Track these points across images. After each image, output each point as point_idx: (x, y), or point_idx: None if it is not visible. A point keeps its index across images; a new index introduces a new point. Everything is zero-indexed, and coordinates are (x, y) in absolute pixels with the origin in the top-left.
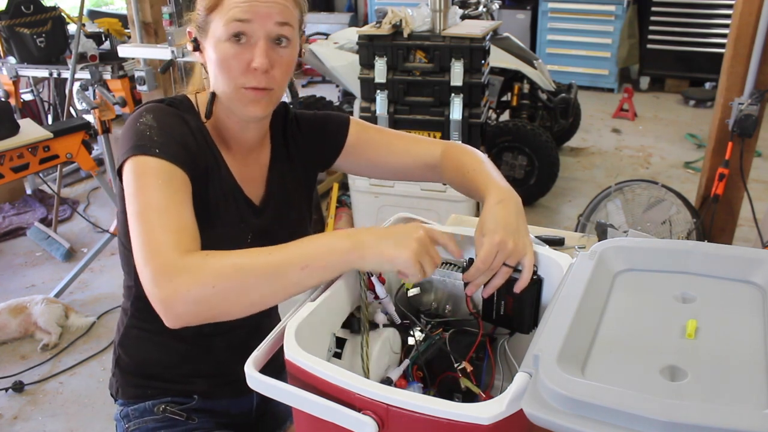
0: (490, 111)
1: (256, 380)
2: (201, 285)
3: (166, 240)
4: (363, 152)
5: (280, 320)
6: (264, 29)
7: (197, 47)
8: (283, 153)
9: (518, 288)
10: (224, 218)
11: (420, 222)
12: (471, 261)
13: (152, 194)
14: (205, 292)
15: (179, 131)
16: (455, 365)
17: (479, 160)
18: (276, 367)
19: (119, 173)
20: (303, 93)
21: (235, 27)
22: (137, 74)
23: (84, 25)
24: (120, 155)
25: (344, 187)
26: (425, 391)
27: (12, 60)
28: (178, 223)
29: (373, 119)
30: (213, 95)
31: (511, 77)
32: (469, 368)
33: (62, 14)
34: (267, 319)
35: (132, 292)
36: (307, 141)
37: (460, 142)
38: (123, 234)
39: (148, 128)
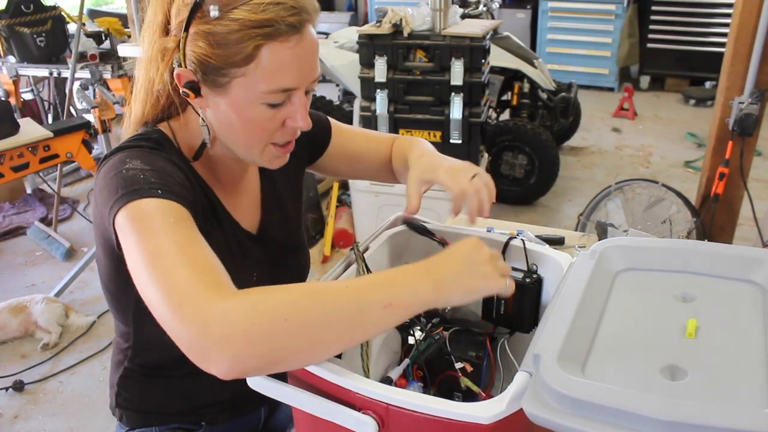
0: (491, 110)
1: (257, 381)
2: (268, 316)
3: (192, 279)
4: (343, 153)
5: None
6: (303, 89)
7: (196, 92)
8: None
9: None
10: (227, 259)
11: (476, 237)
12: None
13: (162, 237)
14: (275, 326)
15: (173, 173)
16: (455, 365)
17: (416, 142)
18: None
19: (102, 232)
20: None
21: (279, 97)
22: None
23: (84, 24)
24: (107, 207)
25: (344, 186)
26: (425, 390)
27: (12, 59)
28: (204, 261)
29: (373, 118)
30: (204, 143)
31: (512, 76)
32: (469, 368)
33: (62, 13)
34: None
35: (130, 337)
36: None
37: (409, 137)
38: (107, 280)
39: (140, 172)
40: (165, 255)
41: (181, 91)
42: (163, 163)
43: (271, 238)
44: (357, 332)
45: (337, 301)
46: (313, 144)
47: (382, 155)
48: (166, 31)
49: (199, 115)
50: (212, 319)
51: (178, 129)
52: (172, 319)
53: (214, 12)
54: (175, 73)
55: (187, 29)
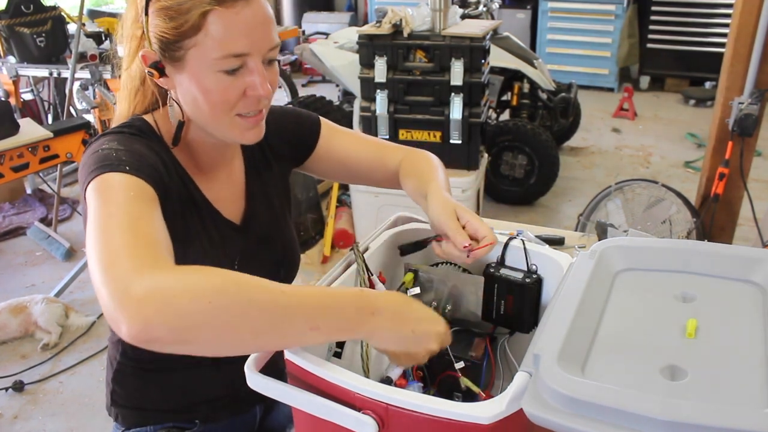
0: (490, 110)
1: (256, 380)
2: (194, 295)
3: (130, 248)
4: (333, 155)
5: None
6: (261, 57)
7: (161, 72)
8: (258, 157)
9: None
10: (206, 249)
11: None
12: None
13: (117, 207)
14: (196, 306)
15: (148, 156)
16: (455, 365)
17: (433, 165)
18: (276, 371)
19: (85, 213)
20: (303, 92)
21: (231, 63)
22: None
23: (84, 24)
24: (83, 185)
25: (344, 186)
26: (425, 390)
27: (12, 59)
28: (150, 236)
29: (373, 119)
30: (181, 124)
31: (511, 77)
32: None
33: (62, 14)
34: None
35: None
36: (279, 137)
37: (425, 151)
38: None
39: (113, 151)
40: (113, 223)
41: (147, 72)
42: (139, 146)
43: (255, 230)
44: (275, 337)
45: (266, 301)
46: (300, 144)
47: (376, 161)
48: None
49: (170, 98)
50: (136, 283)
51: (160, 118)
52: (99, 278)
53: None
54: (140, 56)
55: (146, 11)
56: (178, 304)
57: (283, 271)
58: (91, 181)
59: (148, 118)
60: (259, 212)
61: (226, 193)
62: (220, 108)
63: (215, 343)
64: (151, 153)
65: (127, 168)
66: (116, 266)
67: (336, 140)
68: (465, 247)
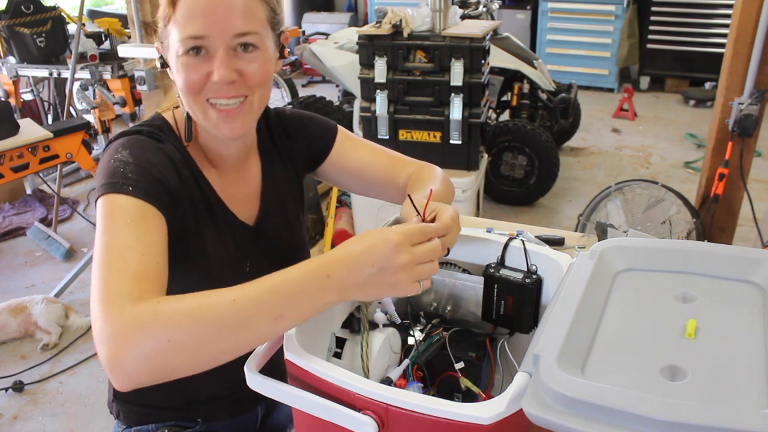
0: (490, 111)
1: (256, 381)
2: (153, 338)
3: (121, 287)
4: (345, 163)
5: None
6: (222, 41)
7: (165, 64)
8: (274, 159)
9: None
10: (219, 250)
11: (398, 234)
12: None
13: (117, 235)
14: (158, 347)
15: (158, 167)
16: (455, 365)
17: (433, 180)
18: (276, 371)
19: None
20: (303, 93)
21: (191, 43)
22: (137, 74)
23: (84, 24)
24: (95, 189)
25: None
26: (425, 391)
27: (12, 60)
28: (138, 267)
29: (373, 119)
30: (189, 117)
31: (511, 77)
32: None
33: (62, 14)
34: None
35: None
36: (295, 140)
37: (432, 166)
38: None
39: (123, 164)
40: (105, 258)
41: (157, 63)
42: (149, 154)
43: (268, 233)
44: (244, 342)
45: (220, 318)
46: (314, 149)
47: (387, 174)
48: None
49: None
50: (108, 338)
51: (179, 115)
52: (94, 320)
53: None
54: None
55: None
56: (145, 350)
57: None
58: (99, 197)
59: (167, 115)
60: (273, 213)
61: (241, 193)
62: (189, 90)
63: (193, 367)
64: (163, 159)
65: (131, 189)
66: (98, 318)
67: (350, 149)
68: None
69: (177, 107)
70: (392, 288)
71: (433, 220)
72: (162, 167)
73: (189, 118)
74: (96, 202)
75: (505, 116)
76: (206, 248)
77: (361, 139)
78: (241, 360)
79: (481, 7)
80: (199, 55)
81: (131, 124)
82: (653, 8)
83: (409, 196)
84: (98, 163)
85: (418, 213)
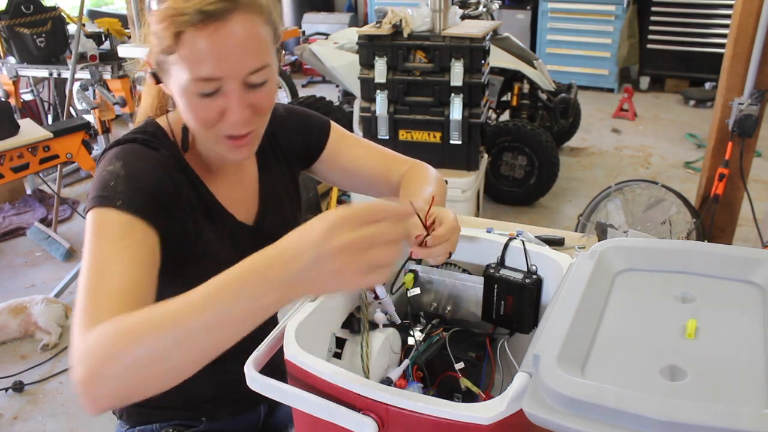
0: (490, 111)
1: (256, 381)
2: (104, 364)
3: (95, 310)
4: (340, 160)
5: None
6: (236, 81)
7: (158, 80)
8: (270, 156)
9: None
10: (219, 251)
11: (338, 211)
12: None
13: (99, 253)
14: (107, 373)
15: (150, 178)
16: (455, 365)
17: (428, 181)
18: (276, 372)
19: None
20: (303, 93)
21: (204, 86)
22: (137, 74)
23: (84, 25)
24: (86, 205)
25: None
26: (425, 391)
27: (12, 60)
28: (117, 288)
29: (373, 119)
30: (186, 128)
31: (511, 77)
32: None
33: (62, 14)
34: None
35: None
36: (290, 136)
37: (426, 165)
38: None
39: (114, 177)
40: (85, 277)
41: (147, 75)
42: (144, 165)
43: (268, 232)
44: (195, 355)
45: (155, 340)
46: (308, 145)
47: (380, 172)
48: None
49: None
50: (75, 361)
51: (174, 121)
52: (71, 340)
53: (152, 4)
54: (143, 59)
55: (145, 20)
56: (99, 376)
57: None
58: (90, 210)
59: (162, 121)
60: (271, 213)
61: (238, 194)
62: (200, 126)
63: (158, 386)
64: (156, 168)
65: (120, 203)
66: (76, 326)
67: (344, 146)
68: (416, 237)
69: (169, 111)
70: (336, 278)
71: (433, 225)
72: (155, 178)
73: (187, 130)
74: (86, 214)
75: (505, 116)
76: (206, 250)
77: (354, 137)
78: (242, 359)
79: (481, 7)
80: (211, 95)
81: (131, 125)
82: (653, 8)
83: (411, 202)
84: (95, 174)
85: (420, 219)
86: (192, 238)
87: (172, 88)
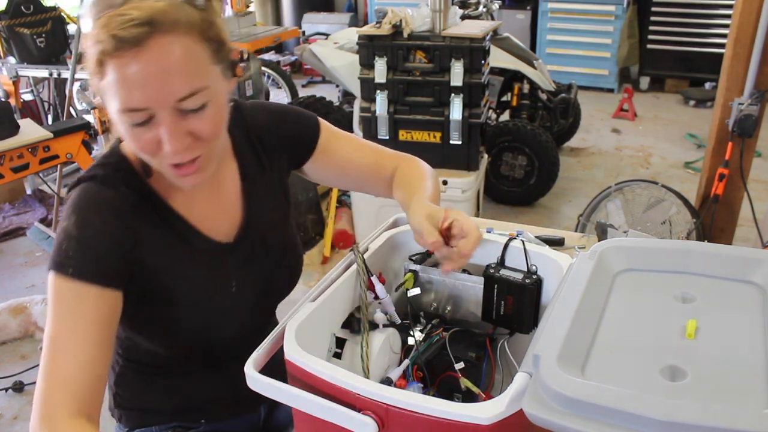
0: (490, 111)
1: (256, 381)
2: None
3: (48, 395)
4: (331, 157)
5: None
6: (166, 110)
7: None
8: (254, 162)
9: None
10: (198, 281)
11: None
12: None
13: (55, 326)
14: None
15: (102, 234)
16: (455, 365)
17: (424, 176)
18: (276, 372)
19: None
20: (303, 93)
21: (134, 117)
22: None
23: None
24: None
25: None
26: (425, 391)
27: (12, 60)
28: (69, 369)
29: (373, 119)
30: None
31: (511, 77)
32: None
33: (62, 14)
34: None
35: (123, 342)
36: (276, 137)
37: (418, 160)
38: None
39: (67, 238)
40: (47, 351)
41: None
42: (96, 221)
43: (252, 242)
44: None
45: None
46: (296, 146)
47: (373, 169)
48: None
49: None
50: None
51: None
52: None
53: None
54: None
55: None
56: None
57: (287, 273)
58: (49, 270)
59: (126, 146)
60: (258, 220)
61: (217, 209)
62: (144, 154)
63: None
64: (110, 222)
65: (71, 271)
66: (34, 403)
67: (334, 142)
68: (432, 242)
69: None
70: None
71: (449, 229)
72: (108, 233)
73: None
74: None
75: (505, 116)
76: (185, 281)
77: (343, 133)
78: (242, 360)
79: (481, 8)
80: (144, 125)
81: None
82: (653, 8)
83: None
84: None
85: (441, 234)
86: (167, 274)
87: (110, 115)
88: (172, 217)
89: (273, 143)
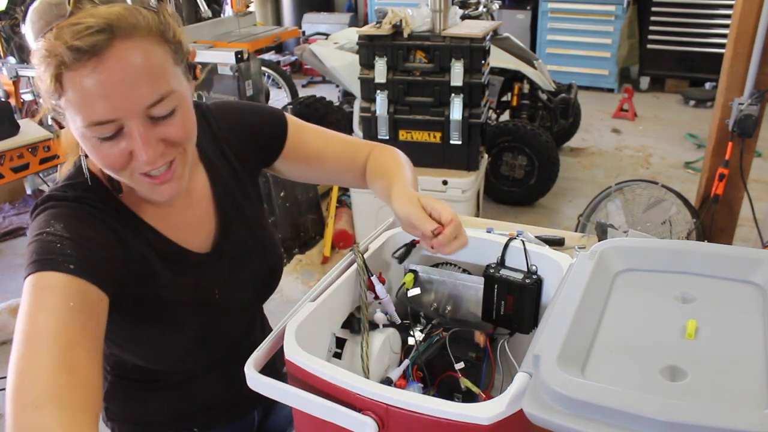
0: (490, 111)
1: (257, 381)
2: None
3: (30, 390)
4: (302, 151)
5: None
6: (135, 118)
7: (60, 125)
8: (222, 166)
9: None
10: (180, 292)
11: None
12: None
13: (45, 316)
14: None
15: (97, 239)
16: (455, 365)
17: (400, 163)
18: (275, 373)
19: None
20: (303, 93)
21: (100, 131)
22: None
23: None
24: (24, 271)
25: (344, 187)
26: (425, 391)
27: (12, 60)
28: (57, 363)
29: (373, 119)
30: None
31: (511, 77)
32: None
33: None
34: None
35: (110, 359)
36: (242, 137)
37: (392, 147)
38: None
39: (59, 239)
40: (24, 348)
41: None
42: (87, 227)
43: (231, 248)
44: None
45: None
46: (267, 142)
47: (344, 159)
48: None
49: None
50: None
51: None
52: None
53: (30, 42)
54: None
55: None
56: None
57: (268, 274)
58: (31, 274)
59: (92, 165)
60: (234, 226)
61: (192, 218)
62: (112, 170)
63: None
64: (100, 228)
65: (72, 267)
66: (7, 409)
67: (304, 136)
68: (432, 231)
69: None
70: None
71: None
72: (102, 239)
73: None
74: (24, 280)
75: (505, 116)
76: (168, 295)
77: (309, 126)
78: (236, 367)
79: (481, 8)
80: (112, 138)
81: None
82: (653, 8)
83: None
84: (28, 238)
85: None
86: (151, 287)
87: (74, 133)
88: (148, 231)
89: (241, 144)
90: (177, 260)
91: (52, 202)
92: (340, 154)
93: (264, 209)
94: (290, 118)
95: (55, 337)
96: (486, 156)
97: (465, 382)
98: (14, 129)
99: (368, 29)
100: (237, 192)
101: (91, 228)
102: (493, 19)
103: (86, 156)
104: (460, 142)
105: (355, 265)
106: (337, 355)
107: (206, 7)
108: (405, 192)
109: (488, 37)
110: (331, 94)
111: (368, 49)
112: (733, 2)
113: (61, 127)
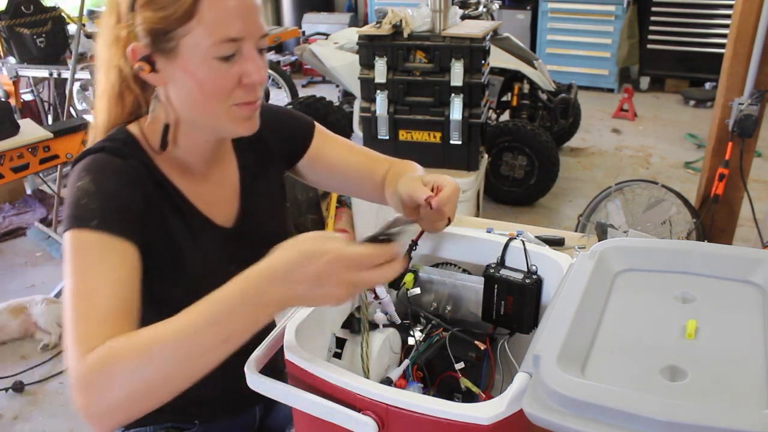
0: (490, 111)
1: (257, 381)
2: (110, 386)
3: (86, 333)
4: (324, 159)
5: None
6: (255, 43)
7: (152, 66)
8: (252, 157)
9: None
10: (198, 259)
11: (334, 251)
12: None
13: (83, 276)
14: (118, 393)
15: (121, 192)
16: (455, 365)
17: (416, 170)
18: (275, 372)
19: None
20: (303, 93)
21: (227, 48)
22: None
23: (84, 25)
24: (62, 225)
25: None
26: (425, 391)
27: (12, 60)
28: (106, 310)
29: (373, 119)
30: (167, 127)
31: (511, 77)
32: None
33: (62, 14)
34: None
35: None
36: (274, 136)
37: (410, 161)
38: None
39: (85, 194)
40: (77, 298)
41: (136, 67)
42: (114, 178)
43: (251, 230)
44: (200, 369)
45: (167, 358)
46: (293, 145)
47: (364, 171)
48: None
49: (154, 98)
50: (75, 388)
51: (146, 127)
52: (69, 368)
53: None
54: (129, 51)
55: (133, 7)
56: (108, 403)
57: None
58: (66, 231)
59: (133, 128)
60: (255, 212)
61: (219, 195)
62: (215, 98)
63: (160, 400)
64: (125, 180)
65: (95, 222)
66: (74, 355)
67: (328, 145)
68: (426, 198)
69: (139, 117)
70: (327, 300)
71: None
72: (125, 191)
73: (167, 128)
74: (63, 235)
75: (505, 116)
76: (185, 259)
77: (337, 137)
78: (237, 361)
79: (481, 8)
80: (230, 60)
81: None
82: (653, 8)
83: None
84: (66, 189)
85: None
86: (169, 248)
87: (178, 64)
88: (177, 195)
89: (271, 142)
90: (199, 226)
91: (86, 158)
92: (360, 165)
93: (286, 207)
94: (319, 127)
95: (77, 301)
96: (486, 156)
97: (465, 382)
98: (14, 129)
99: (368, 29)
100: (262, 184)
101: (117, 180)
102: (493, 19)
103: (127, 123)
104: (460, 142)
105: None
106: (337, 355)
107: None
108: (411, 177)
109: (488, 37)
110: (331, 94)
111: (368, 49)
112: (733, 2)
113: (152, 71)
